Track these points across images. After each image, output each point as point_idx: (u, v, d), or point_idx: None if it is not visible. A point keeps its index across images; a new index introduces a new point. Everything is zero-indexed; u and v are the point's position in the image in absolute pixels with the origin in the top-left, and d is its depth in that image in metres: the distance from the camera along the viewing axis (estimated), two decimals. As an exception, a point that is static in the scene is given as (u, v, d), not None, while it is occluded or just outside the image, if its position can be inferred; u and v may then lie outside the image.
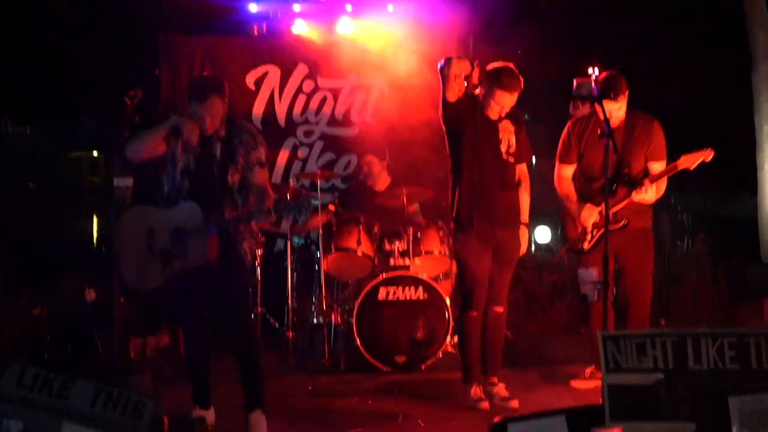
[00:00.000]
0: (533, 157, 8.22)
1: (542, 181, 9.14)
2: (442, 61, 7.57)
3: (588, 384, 8.21)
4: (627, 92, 8.02)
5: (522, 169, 7.97)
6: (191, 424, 6.87)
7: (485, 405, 7.58)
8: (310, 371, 9.40)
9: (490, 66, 7.62)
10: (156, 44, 12.36)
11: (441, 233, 9.82)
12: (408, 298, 9.42)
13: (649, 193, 8.02)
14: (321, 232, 9.88)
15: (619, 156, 7.90)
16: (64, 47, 12.73)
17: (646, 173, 8.17)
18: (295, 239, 10.62)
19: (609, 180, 7.11)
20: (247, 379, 7.06)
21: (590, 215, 8.18)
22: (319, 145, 12.63)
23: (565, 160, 8.29)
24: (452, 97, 7.58)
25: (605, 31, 14.48)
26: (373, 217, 10.07)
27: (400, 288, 9.41)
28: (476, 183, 7.58)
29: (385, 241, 9.85)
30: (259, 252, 10.38)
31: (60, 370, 4.72)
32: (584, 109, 7.40)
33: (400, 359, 9.32)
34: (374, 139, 12.13)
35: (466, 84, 7.60)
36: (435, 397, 8.14)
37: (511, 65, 7.61)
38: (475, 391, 7.67)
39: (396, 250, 9.76)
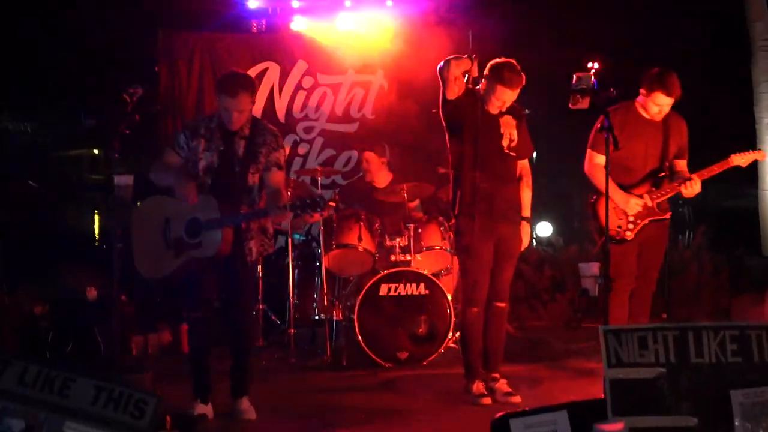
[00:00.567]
0: (534, 152, 8.12)
1: (543, 175, 9.12)
2: (441, 63, 7.58)
3: None
4: (680, 90, 8.01)
5: (523, 164, 7.95)
6: (193, 422, 6.86)
7: (487, 400, 7.55)
8: (311, 368, 9.40)
9: (492, 62, 7.61)
10: (155, 41, 12.37)
11: (442, 229, 9.81)
12: (409, 293, 9.40)
13: (696, 188, 8.02)
14: (322, 228, 9.87)
15: (663, 149, 8.06)
16: (63, 44, 12.70)
17: (669, 171, 8.15)
18: (296, 236, 10.63)
19: (608, 173, 7.10)
20: (239, 368, 7.28)
21: (636, 205, 8.11)
22: (319, 142, 12.66)
23: (599, 149, 8.03)
24: (452, 95, 7.59)
25: (605, 23, 14.45)
26: (373, 213, 10.07)
27: (402, 284, 9.40)
28: (477, 178, 7.56)
29: (386, 237, 9.84)
30: (270, 251, 10.43)
31: (61, 368, 4.71)
32: (584, 103, 7.34)
33: (402, 355, 9.31)
34: (374, 134, 12.15)
35: (466, 79, 7.60)
36: (437, 392, 8.11)
37: (513, 61, 7.60)
38: (477, 386, 7.65)
39: (397, 246, 9.74)
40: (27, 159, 14.19)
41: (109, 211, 11.70)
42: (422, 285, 9.42)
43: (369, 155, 10.63)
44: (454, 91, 7.56)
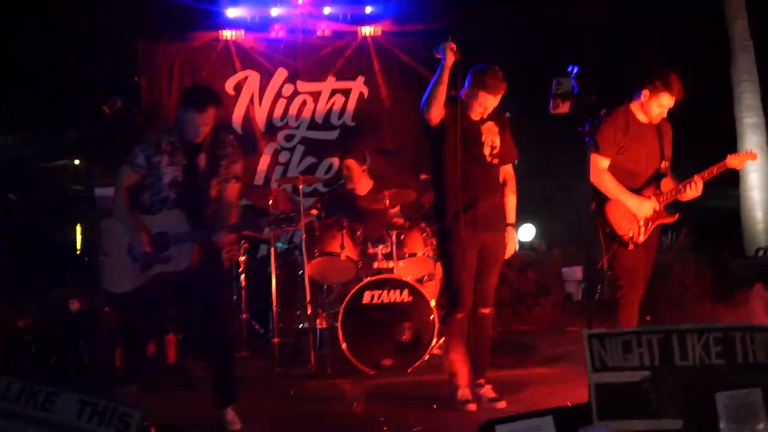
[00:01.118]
0: (517, 157, 8.08)
1: (525, 177, 9.09)
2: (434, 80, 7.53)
3: None
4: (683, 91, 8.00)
5: (507, 170, 7.94)
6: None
7: (473, 407, 7.55)
8: (296, 377, 9.38)
9: (474, 68, 7.60)
10: (135, 52, 12.35)
11: (424, 235, 9.81)
12: (393, 300, 9.40)
13: (700, 188, 8.01)
14: (304, 236, 9.86)
15: (660, 151, 8.06)
16: (43, 56, 12.69)
17: (663, 174, 8.14)
18: (279, 244, 10.61)
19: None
20: (224, 378, 7.27)
21: (649, 208, 8.08)
22: (300, 150, 12.62)
23: (605, 153, 8.04)
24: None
25: (585, 27, 14.50)
26: (356, 220, 10.06)
27: (385, 291, 9.40)
28: (459, 185, 7.55)
29: (369, 244, 9.84)
30: (242, 258, 10.44)
31: (46, 381, 4.69)
32: (564, 107, 7.34)
33: (387, 362, 9.30)
34: (355, 141, 12.15)
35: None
36: (422, 399, 8.10)
37: (496, 67, 7.59)
38: (463, 392, 7.65)
39: (380, 253, 9.74)
40: (8, 171, 14.15)
41: (91, 222, 11.66)
42: (405, 292, 9.41)
43: (350, 162, 10.61)
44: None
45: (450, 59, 7.36)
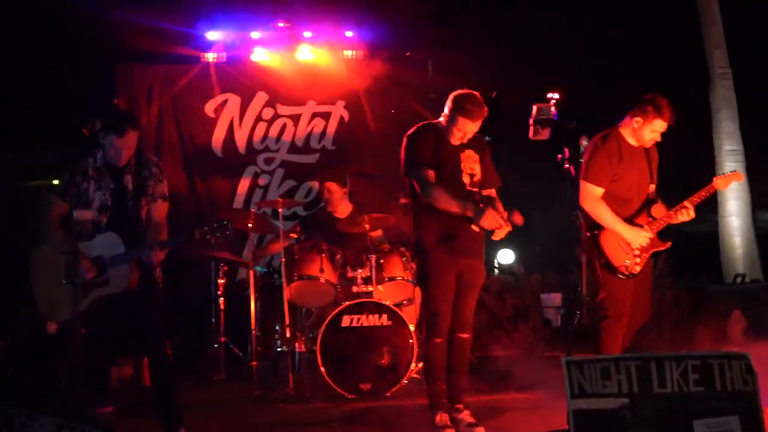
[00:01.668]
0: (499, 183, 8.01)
1: (503, 201, 9.08)
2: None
3: None
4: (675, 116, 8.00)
5: (491, 194, 7.90)
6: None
7: (451, 431, 7.55)
8: (275, 400, 9.35)
9: (454, 93, 7.59)
10: (113, 74, 12.34)
11: (404, 259, 9.82)
12: (372, 324, 9.39)
13: (691, 214, 7.99)
14: (283, 260, 9.84)
15: (650, 174, 8.06)
16: (21, 75, 12.65)
17: (653, 200, 8.14)
18: (258, 268, 10.59)
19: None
20: (169, 398, 7.24)
21: (645, 237, 8.05)
22: (279, 173, 12.65)
23: (599, 181, 7.97)
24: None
25: (565, 53, 14.55)
26: (335, 244, 10.06)
27: (364, 315, 9.39)
28: (437, 211, 7.54)
29: (348, 268, 9.83)
30: (221, 281, 10.44)
31: (23, 404, 4.66)
32: (544, 134, 7.35)
33: (365, 386, 9.28)
34: (335, 165, 12.17)
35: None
36: (401, 424, 8.08)
37: (476, 93, 7.57)
38: (441, 417, 7.61)
39: (359, 276, 9.74)
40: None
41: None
42: (384, 316, 9.41)
43: (331, 185, 10.62)
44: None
45: (490, 226, 7.39)
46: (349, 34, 12.81)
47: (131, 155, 7.17)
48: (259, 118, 12.65)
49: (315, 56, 12.71)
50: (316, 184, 12.29)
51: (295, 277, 9.79)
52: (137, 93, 12.41)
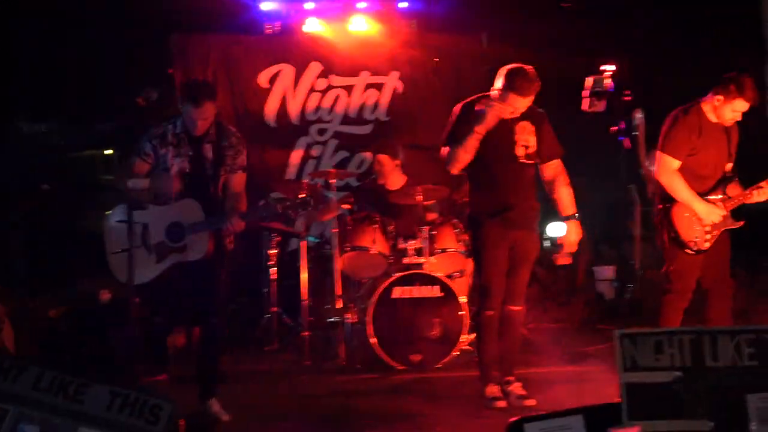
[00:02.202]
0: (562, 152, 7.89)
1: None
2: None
3: None
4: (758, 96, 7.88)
5: (555, 165, 7.79)
6: (208, 427, 6.89)
7: (502, 404, 7.52)
8: (326, 371, 9.40)
9: (506, 68, 7.52)
10: (169, 43, 12.37)
11: (456, 231, 9.81)
12: (423, 296, 9.40)
13: (766, 194, 7.89)
14: (336, 230, 9.85)
15: (728, 153, 7.93)
16: (78, 46, 12.69)
17: (729, 178, 8.04)
18: (310, 238, 10.60)
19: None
20: (212, 369, 7.37)
21: (718, 214, 7.99)
22: (332, 144, 12.64)
23: (676, 154, 7.86)
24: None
25: (617, 26, 14.41)
26: (387, 215, 10.06)
27: (415, 286, 9.40)
28: (489, 185, 7.53)
29: (400, 239, 9.83)
30: (273, 252, 10.47)
31: (77, 372, 4.70)
32: (600, 106, 7.30)
33: (416, 358, 9.30)
34: (388, 136, 12.14)
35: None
36: (451, 396, 8.10)
37: (528, 67, 7.49)
38: (492, 389, 7.62)
39: (411, 248, 9.73)
40: (41, 160, 14.19)
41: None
42: (436, 287, 9.41)
43: (382, 158, 10.62)
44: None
45: (492, 121, 7.36)
46: (403, 4, 12.77)
47: (209, 125, 7.22)
48: (312, 89, 12.64)
49: (369, 27, 12.67)
50: (369, 155, 12.27)
51: (348, 248, 9.81)
52: (193, 62, 12.40)
